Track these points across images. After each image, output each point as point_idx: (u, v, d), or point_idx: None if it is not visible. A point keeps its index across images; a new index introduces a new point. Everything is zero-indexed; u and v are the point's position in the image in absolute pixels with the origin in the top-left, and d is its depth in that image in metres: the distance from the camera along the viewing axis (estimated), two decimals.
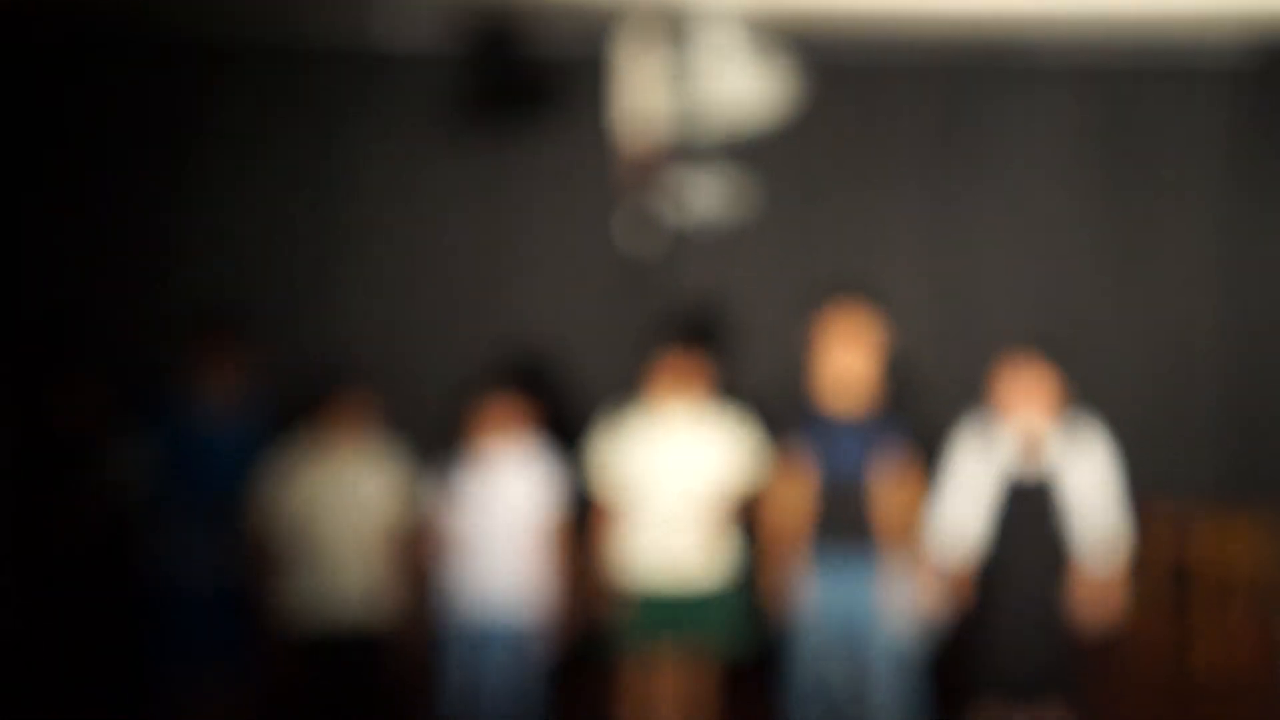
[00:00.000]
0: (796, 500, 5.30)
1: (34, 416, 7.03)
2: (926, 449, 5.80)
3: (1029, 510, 5.26)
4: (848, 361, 5.32)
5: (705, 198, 7.44)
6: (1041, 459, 5.28)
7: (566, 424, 7.66)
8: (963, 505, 5.28)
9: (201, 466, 5.09)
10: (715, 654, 5.25)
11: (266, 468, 4.95)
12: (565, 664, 6.42)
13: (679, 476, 5.19)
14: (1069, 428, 5.27)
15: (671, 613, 5.16)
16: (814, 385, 5.41)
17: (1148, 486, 8.10)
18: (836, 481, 5.30)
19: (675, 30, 6.88)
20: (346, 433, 4.88)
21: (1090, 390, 8.13)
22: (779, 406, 7.95)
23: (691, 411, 5.23)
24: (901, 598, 5.26)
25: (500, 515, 5.03)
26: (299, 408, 7.39)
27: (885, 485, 5.30)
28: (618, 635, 5.17)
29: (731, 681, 6.39)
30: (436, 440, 7.05)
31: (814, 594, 5.26)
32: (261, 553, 4.89)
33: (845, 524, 5.29)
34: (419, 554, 4.94)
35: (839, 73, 7.89)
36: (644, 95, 7.85)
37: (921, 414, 6.26)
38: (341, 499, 4.86)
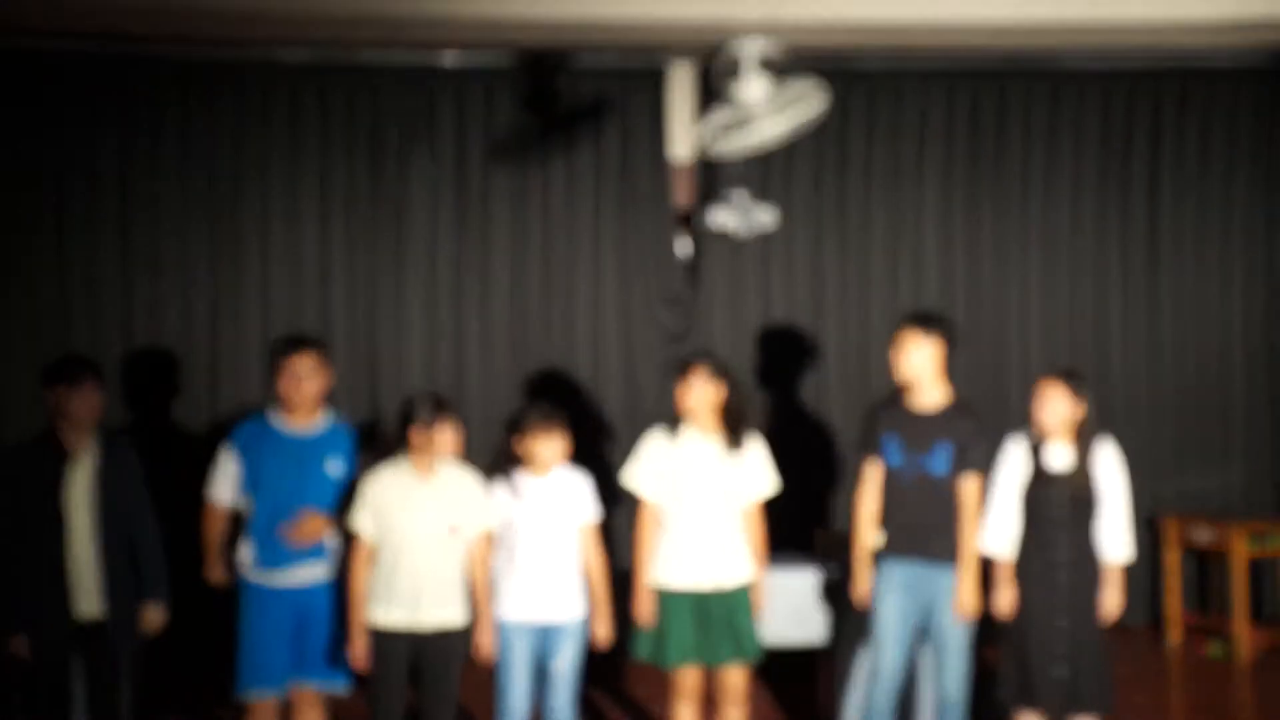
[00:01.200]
0: (873, 498, 5.53)
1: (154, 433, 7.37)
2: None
3: (1060, 524, 5.39)
4: (914, 370, 5.51)
5: (743, 213, 7.59)
6: (1072, 474, 5.44)
7: (609, 435, 7.85)
8: (1008, 519, 5.47)
9: (284, 481, 5.28)
10: (749, 653, 5.46)
11: (364, 483, 5.21)
12: (609, 661, 6.63)
13: (713, 487, 5.42)
14: (1094, 445, 5.44)
15: (708, 613, 5.38)
16: (893, 386, 5.58)
17: (1184, 498, 8.19)
18: (910, 479, 5.46)
19: (716, 52, 7.02)
20: (436, 454, 5.18)
21: (1124, 399, 8.17)
22: (825, 413, 8.13)
23: (720, 425, 5.45)
24: (962, 595, 5.43)
25: (548, 526, 5.31)
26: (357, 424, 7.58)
27: (955, 483, 5.46)
28: (657, 635, 5.41)
29: (773, 676, 6.59)
30: (484, 452, 7.26)
31: (890, 588, 5.46)
32: (361, 564, 5.19)
33: (917, 521, 5.44)
34: (488, 565, 5.26)
35: (868, 85, 8.01)
36: (688, 116, 7.99)
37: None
38: (432, 518, 5.16)
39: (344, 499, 5.31)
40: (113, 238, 7.47)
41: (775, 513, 5.62)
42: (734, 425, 5.42)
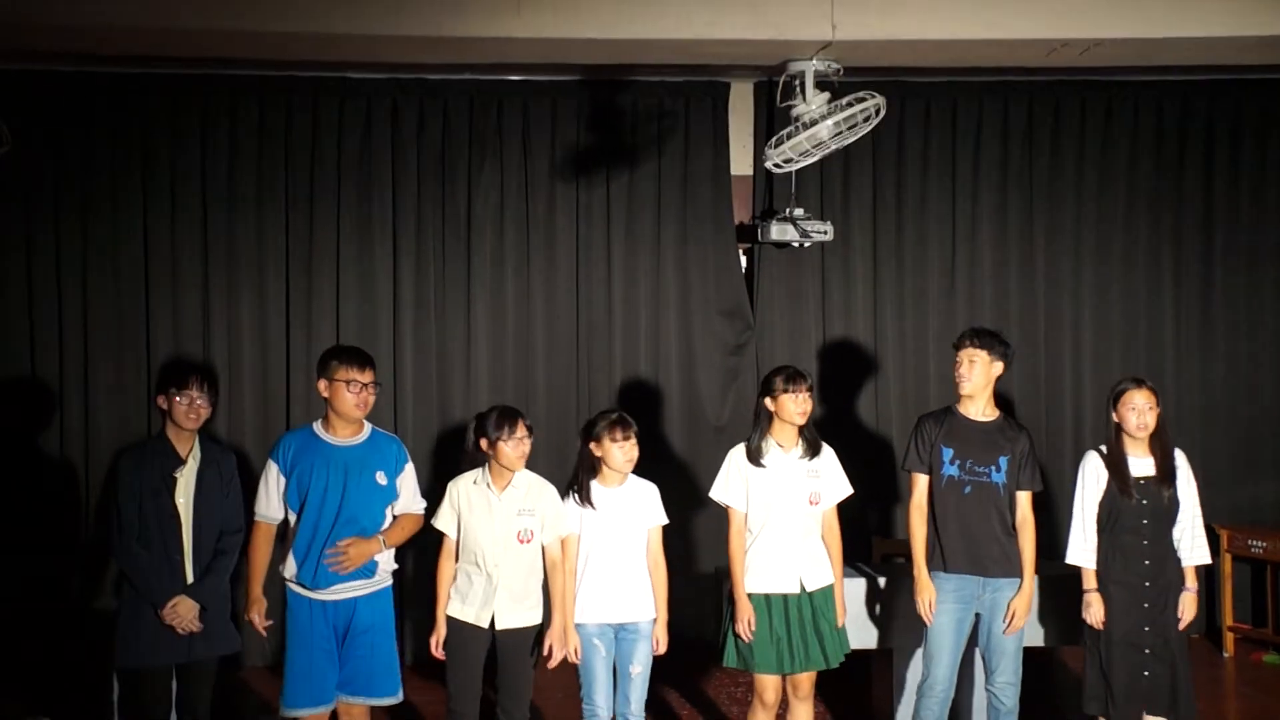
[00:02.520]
0: (927, 509, 5.66)
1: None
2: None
3: (1142, 533, 5.51)
4: (975, 385, 5.64)
5: (801, 226, 7.72)
6: (1152, 482, 5.55)
7: (670, 443, 8.00)
8: (1091, 530, 5.59)
9: (332, 493, 5.29)
10: (839, 655, 5.65)
11: (450, 487, 5.43)
12: (688, 661, 6.76)
13: (799, 495, 5.61)
14: (1171, 453, 5.57)
15: (796, 616, 5.56)
16: (946, 398, 5.69)
17: (1238, 509, 8.20)
18: (966, 490, 5.57)
19: (777, 68, 7.15)
20: (512, 467, 5.38)
21: (1178, 411, 8.13)
22: (883, 423, 8.20)
23: (800, 436, 5.64)
24: (1022, 604, 5.56)
25: (622, 534, 5.49)
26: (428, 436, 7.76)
27: (1011, 494, 5.60)
28: (748, 643, 5.57)
29: (829, 679, 6.71)
30: (550, 456, 7.44)
31: (943, 598, 5.59)
32: (445, 558, 5.41)
33: (972, 532, 5.55)
34: (562, 570, 5.46)
35: (923, 99, 8.08)
36: (749, 130, 8.10)
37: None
38: (506, 527, 5.35)
39: (442, 507, 5.40)
40: (192, 250, 7.65)
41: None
42: (812, 434, 5.66)
